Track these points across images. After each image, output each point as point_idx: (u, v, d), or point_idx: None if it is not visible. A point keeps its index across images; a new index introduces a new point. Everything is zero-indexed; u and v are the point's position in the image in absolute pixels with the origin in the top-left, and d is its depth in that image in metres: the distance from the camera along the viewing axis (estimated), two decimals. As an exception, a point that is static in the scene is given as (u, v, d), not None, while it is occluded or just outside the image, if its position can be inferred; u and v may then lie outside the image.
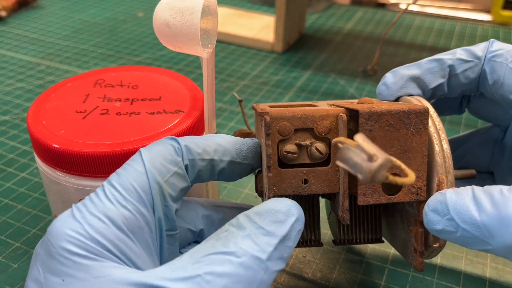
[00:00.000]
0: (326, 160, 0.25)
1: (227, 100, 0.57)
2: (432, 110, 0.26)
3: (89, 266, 0.19)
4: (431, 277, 0.35)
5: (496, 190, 0.21)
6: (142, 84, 0.34)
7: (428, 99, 0.30)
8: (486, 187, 0.22)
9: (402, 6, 0.88)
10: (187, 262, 0.19)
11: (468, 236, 0.21)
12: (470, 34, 0.78)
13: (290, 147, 0.24)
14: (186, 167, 0.24)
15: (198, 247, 0.20)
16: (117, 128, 0.29)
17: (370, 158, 0.17)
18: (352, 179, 0.24)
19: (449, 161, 0.24)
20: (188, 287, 0.18)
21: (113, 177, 0.22)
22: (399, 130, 0.24)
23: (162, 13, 0.27)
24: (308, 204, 0.28)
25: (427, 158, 0.24)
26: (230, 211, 0.28)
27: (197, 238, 0.27)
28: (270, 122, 0.23)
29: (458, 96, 0.33)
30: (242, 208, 0.28)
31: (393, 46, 0.73)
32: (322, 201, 0.36)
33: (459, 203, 0.22)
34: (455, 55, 0.29)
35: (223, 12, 0.80)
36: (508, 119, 0.32)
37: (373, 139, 0.23)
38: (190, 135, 0.30)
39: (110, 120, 0.30)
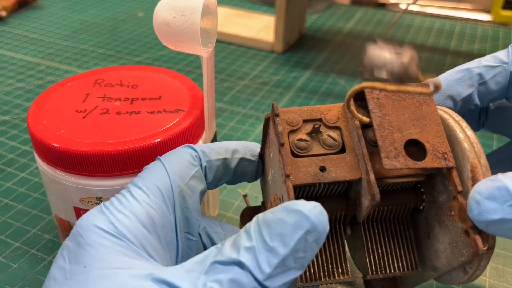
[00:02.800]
0: (341, 150, 0.24)
1: (227, 100, 0.57)
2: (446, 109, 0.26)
3: (111, 257, 0.20)
4: (432, 276, 0.34)
5: None
6: (142, 83, 0.34)
7: (457, 112, 0.29)
8: None
9: (402, 6, 0.88)
10: (196, 264, 0.20)
11: None
12: (470, 34, 0.78)
13: (301, 135, 0.24)
14: (205, 169, 0.26)
15: (211, 250, 0.20)
16: (117, 127, 0.29)
17: (399, 54, 0.17)
18: (373, 160, 0.23)
19: (478, 145, 0.23)
20: None
21: (137, 180, 0.24)
22: (406, 100, 0.24)
23: (162, 12, 0.27)
24: (333, 239, 0.27)
25: (442, 125, 0.23)
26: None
27: None
28: (277, 106, 0.24)
29: (476, 111, 0.32)
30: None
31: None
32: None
33: None
34: (480, 62, 0.29)
35: (223, 12, 0.80)
36: None
37: (382, 106, 0.23)
38: (190, 134, 0.30)
39: (110, 119, 0.30)
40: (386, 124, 0.23)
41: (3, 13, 0.78)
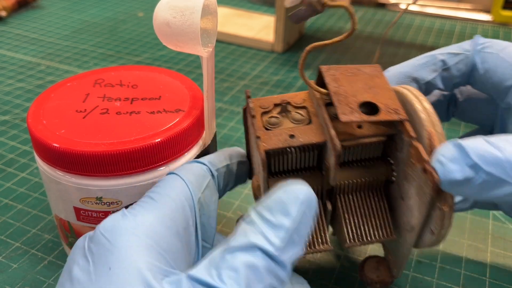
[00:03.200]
0: (308, 124, 0.28)
1: (227, 100, 0.57)
2: (408, 86, 0.28)
3: (134, 257, 0.21)
4: (431, 277, 0.35)
5: (503, 135, 0.22)
6: (142, 83, 0.34)
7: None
8: (491, 135, 0.22)
9: (402, 6, 0.88)
10: (211, 258, 0.21)
11: (490, 180, 0.21)
12: (470, 34, 0.78)
13: (273, 114, 0.28)
14: (217, 178, 0.28)
15: (222, 244, 0.21)
16: (117, 127, 0.29)
17: None
18: (336, 128, 0.26)
19: (433, 115, 0.25)
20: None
21: (156, 188, 0.25)
22: (358, 75, 0.27)
23: (162, 12, 0.27)
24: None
25: (393, 92, 0.26)
26: None
27: None
28: (249, 91, 0.29)
29: (444, 101, 0.34)
30: None
31: (393, 46, 0.73)
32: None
33: (478, 147, 0.21)
34: (445, 50, 0.31)
35: (223, 12, 0.80)
36: (494, 118, 0.32)
37: (337, 80, 0.27)
38: (190, 134, 0.30)
39: (110, 119, 0.30)
40: (342, 92, 0.26)
41: (3, 13, 0.78)
